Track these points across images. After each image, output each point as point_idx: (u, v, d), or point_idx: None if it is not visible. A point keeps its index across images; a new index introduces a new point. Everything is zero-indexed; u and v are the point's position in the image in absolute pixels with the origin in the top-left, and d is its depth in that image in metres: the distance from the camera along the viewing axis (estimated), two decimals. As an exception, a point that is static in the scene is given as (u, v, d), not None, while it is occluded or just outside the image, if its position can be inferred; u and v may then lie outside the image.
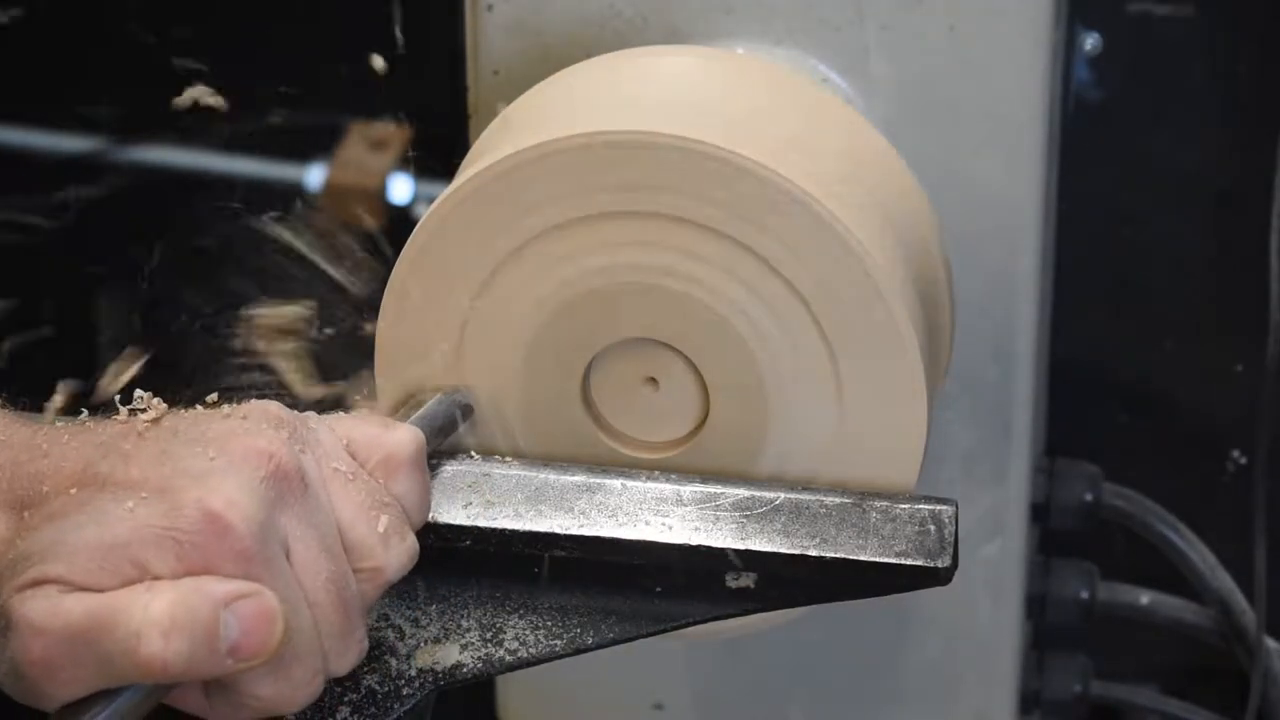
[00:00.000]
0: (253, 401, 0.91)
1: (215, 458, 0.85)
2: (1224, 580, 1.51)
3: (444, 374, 1.05)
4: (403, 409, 1.03)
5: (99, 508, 0.83)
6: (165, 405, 0.89)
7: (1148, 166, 1.54)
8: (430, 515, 0.97)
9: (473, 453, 1.03)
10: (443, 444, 1.01)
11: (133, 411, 0.88)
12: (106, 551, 0.83)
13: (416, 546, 0.93)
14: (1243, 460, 1.57)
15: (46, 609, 0.82)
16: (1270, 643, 1.49)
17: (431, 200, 1.04)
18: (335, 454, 0.91)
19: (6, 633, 0.83)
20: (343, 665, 0.90)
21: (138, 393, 0.89)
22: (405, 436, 0.94)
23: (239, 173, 1.55)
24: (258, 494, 0.85)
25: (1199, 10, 1.49)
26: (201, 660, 0.82)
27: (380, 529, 0.90)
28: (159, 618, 0.82)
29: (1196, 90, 1.52)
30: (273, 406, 0.90)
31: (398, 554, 0.92)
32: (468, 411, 1.04)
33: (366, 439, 0.93)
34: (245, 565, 0.84)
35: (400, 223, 1.53)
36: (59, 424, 0.89)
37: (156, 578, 0.83)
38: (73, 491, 0.84)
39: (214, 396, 0.91)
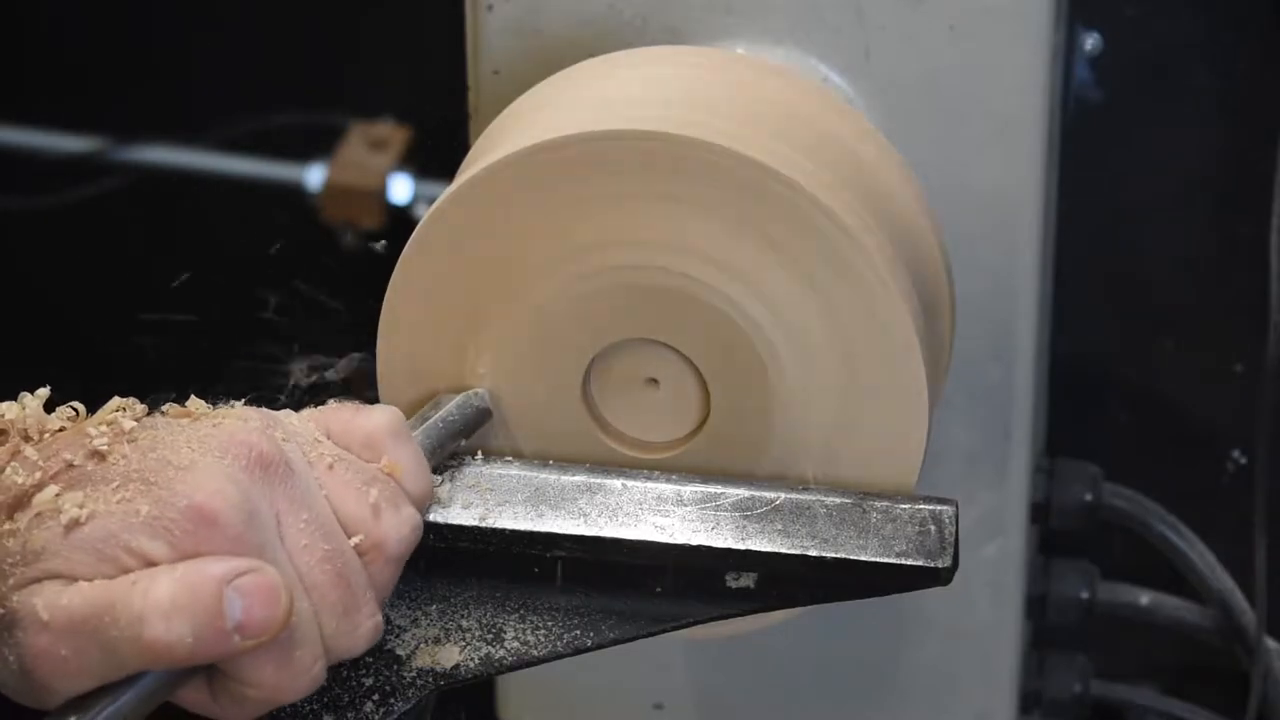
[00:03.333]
0: (227, 406, 0.92)
1: (197, 450, 0.86)
2: (1224, 580, 1.51)
3: (444, 374, 1.05)
4: (424, 408, 1.03)
5: (88, 503, 0.84)
6: (144, 408, 0.89)
7: (1148, 166, 1.54)
8: (431, 515, 0.97)
9: (479, 453, 1.03)
10: (460, 446, 1.01)
11: (118, 412, 0.88)
12: (102, 543, 0.83)
13: (416, 518, 0.93)
14: (1243, 460, 1.57)
15: (49, 603, 0.83)
16: (1270, 643, 1.49)
17: (432, 200, 1.04)
18: (315, 440, 0.91)
19: (12, 630, 0.83)
20: (353, 645, 0.90)
21: (116, 399, 0.89)
22: (381, 415, 0.94)
23: (239, 173, 1.55)
24: (242, 482, 0.86)
25: (1199, 10, 1.49)
26: (208, 640, 0.83)
27: (370, 500, 0.91)
28: (159, 600, 0.82)
29: (1196, 90, 1.52)
30: (249, 408, 0.91)
31: (394, 525, 0.91)
32: (485, 415, 1.04)
33: (343, 425, 0.93)
34: (238, 552, 0.84)
35: (400, 223, 1.53)
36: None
37: (155, 565, 0.83)
38: (58, 490, 0.84)
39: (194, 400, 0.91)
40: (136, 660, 0.83)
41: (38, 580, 0.83)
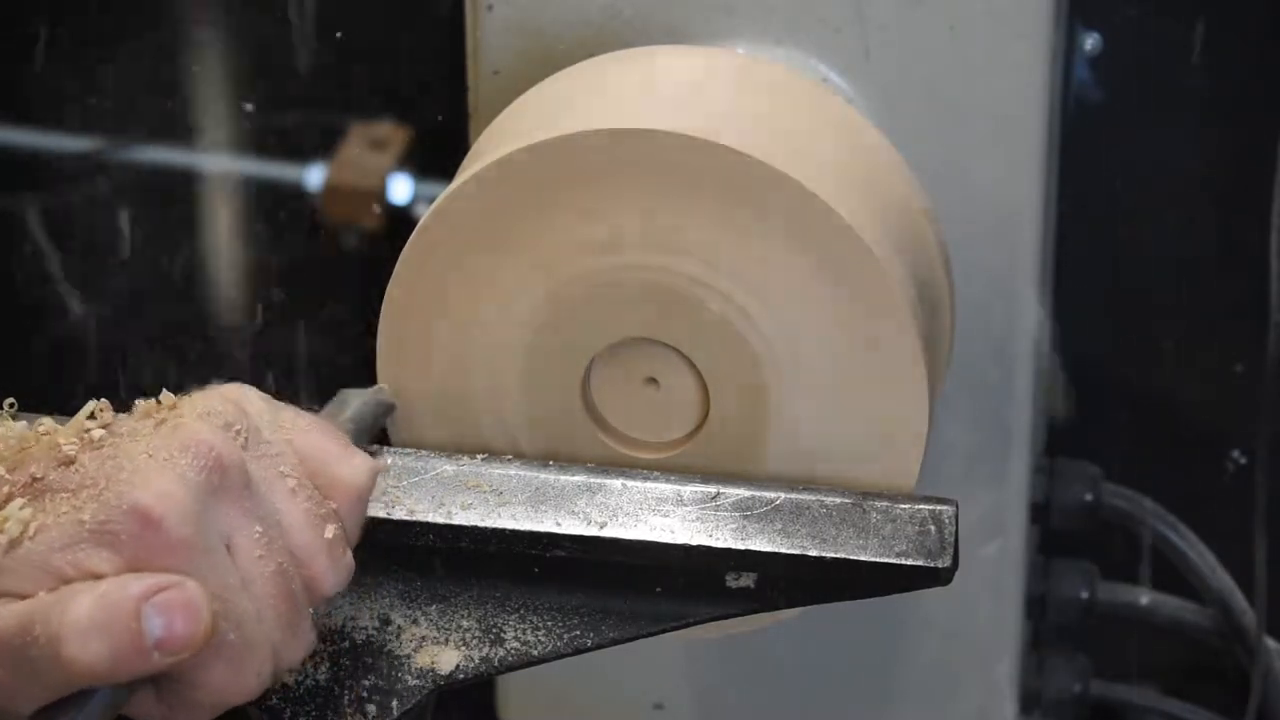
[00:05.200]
0: (204, 391, 0.91)
1: (153, 453, 0.85)
2: (1224, 580, 1.51)
3: (444, 374, 1.05)
4: (328, 406, 1.02)
5: (38, 516, 0.83)
6: (114, 412, 0.89)
7: (1148, 166, 1.53)
8: (431, 515, 0.97)
9: (480, 454, 1.03)
10: (367, 443, 1.01)
11: (90, 418, 0.88)
12: (45, 557, 0.82)
13: (353, 566, 0.93)
14: (1243, 460, 1.57)
15: None
16: (1270, 643, 1.49)
17: (432, 200, 1.04)
18: (282, 458, 0.91)
19: None
20: (292, 658, 0.90)
21: (90, 403, 0.88)
22: (364, 467, 0.94)
23: (239, 173, 1.55)
24: (193, 485, 0.85)
25: (1199, 10, 1.49)
26: (128, 658, 0.81)
27: (327, 536, 0.90)
28: (77, 619, 0.81)
29: (1196, 90, 1.52)
30: (217, 403, 0.90)
31: (340, 566, 0.91)
32: (389, 410, 1.04)
33: (325, 455, 0.93)
34: (182, 556, 0.83)
35: (400, 223, 1.53)
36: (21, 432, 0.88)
37: (99, 578, 0.82)
38: (21, 505, 0.84)
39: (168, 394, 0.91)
40: (60, 680, 0.82)
41: None
